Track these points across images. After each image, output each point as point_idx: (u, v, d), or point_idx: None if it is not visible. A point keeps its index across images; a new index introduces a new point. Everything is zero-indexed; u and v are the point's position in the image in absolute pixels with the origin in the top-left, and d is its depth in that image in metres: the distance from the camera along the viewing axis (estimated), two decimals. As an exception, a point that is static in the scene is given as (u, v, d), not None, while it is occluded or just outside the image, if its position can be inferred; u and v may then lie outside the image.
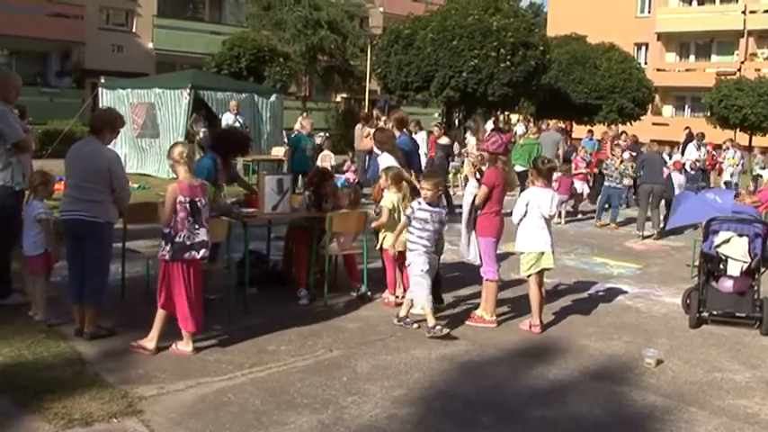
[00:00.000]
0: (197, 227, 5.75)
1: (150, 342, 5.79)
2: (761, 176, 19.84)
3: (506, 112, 35.93)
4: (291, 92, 29.82)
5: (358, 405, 5.05)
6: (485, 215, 7.01)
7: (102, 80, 20.37)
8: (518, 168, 14.47)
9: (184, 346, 5.85)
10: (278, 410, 4.90)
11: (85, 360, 5.62)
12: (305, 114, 20.37)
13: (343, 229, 7.64)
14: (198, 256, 5.77)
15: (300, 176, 12.48)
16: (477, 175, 7.20)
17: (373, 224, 7.65)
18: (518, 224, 7.01)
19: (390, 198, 7.50)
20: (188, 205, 5.72)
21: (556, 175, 12.76)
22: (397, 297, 7.62)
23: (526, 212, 6.92)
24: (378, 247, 7.70)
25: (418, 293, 6.73)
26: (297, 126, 16.12)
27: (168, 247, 5.71)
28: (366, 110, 23.95)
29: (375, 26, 37.67)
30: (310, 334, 6.54)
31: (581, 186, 16.14)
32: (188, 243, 5.71)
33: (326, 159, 17.38)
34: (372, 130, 15.56)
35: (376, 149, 8.40)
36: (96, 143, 6.05)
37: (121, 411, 4.71)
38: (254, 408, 4.93)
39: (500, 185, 7.03)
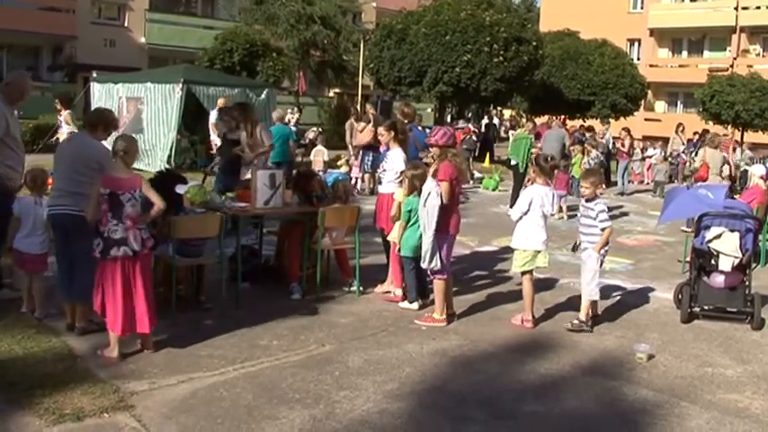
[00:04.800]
0: (115, 222, 5.47)
1: (112, 351, 5.56)
2: (748, 171, 19.93)
3: (499, 107, 36.00)
4: (284, 87, 29.76)
5: (350, 400, 5.05)
6: (447, 212, 6.80)
7: (95, 74, 20.23)
8: (512, 162, 14.83)
9: (110, 351, 5.55)
10: (270, 405, 4.89)
11: (77, 355, 5.60)
12: (293, 109, 20.17)
13: (336, 224, 7.62)
14: (130, 253, 5.49)
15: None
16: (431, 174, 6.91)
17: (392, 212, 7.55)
18: (517, 221, 6.99)
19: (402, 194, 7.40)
20: (107, 197, 5.47)
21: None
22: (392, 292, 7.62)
23: (528, 210, 6.90)
24: (390, 237, 7.63)
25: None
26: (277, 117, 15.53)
27: (97, 242, 5.47)
28: (359, 105, 23.90)
29: (368, 21, 37.66)
30: (302, 329, 6.53)
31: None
32: (113, 238, 5.46)
33: (319, 154, 17.35)
34: (363, 124, 15.64)
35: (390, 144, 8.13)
36: (88, 137, 6.04)
37: (113, 406, 4.70)
38: (245, 402, 4.92)
39: (457, 179, 6.90)
